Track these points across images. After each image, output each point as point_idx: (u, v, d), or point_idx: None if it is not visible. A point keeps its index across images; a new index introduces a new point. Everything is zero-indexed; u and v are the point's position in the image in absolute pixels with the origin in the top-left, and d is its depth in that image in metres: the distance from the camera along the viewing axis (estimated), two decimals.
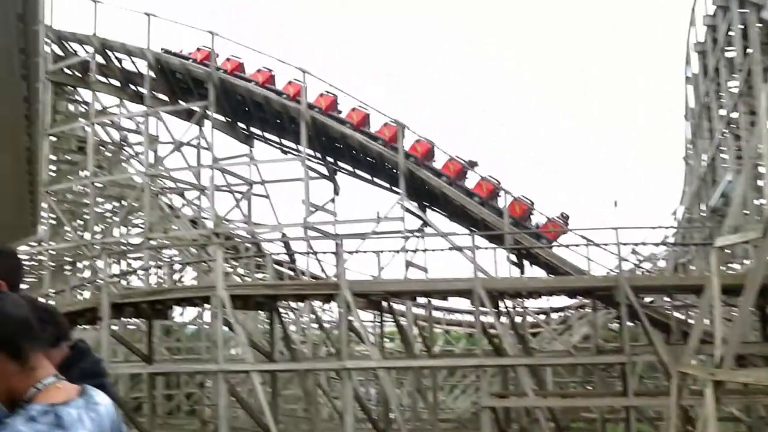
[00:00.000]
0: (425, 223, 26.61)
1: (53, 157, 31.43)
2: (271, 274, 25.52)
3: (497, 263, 22.64)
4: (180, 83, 29.86)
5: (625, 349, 19.54)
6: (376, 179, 28.69)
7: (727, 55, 21.78)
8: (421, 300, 26.21)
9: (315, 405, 25.23)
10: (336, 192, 28.97)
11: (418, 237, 26.06)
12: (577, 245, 23.32)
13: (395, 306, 25.05)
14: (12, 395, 2.10)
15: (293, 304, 29.10)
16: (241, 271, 30.06)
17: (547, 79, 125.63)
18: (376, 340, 23.94)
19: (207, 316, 26.75)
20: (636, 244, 26.62)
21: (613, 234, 20.60)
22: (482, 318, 21.67)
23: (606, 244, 22.39)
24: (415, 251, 25.72)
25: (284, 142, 29.96)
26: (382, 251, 23.53)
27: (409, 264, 24.75)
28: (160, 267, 28.57)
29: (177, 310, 29.87)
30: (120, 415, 2.37)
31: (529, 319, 29.42)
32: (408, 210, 25.97)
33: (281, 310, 25.23)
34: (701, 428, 14.66)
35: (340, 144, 27.73)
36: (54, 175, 31.10)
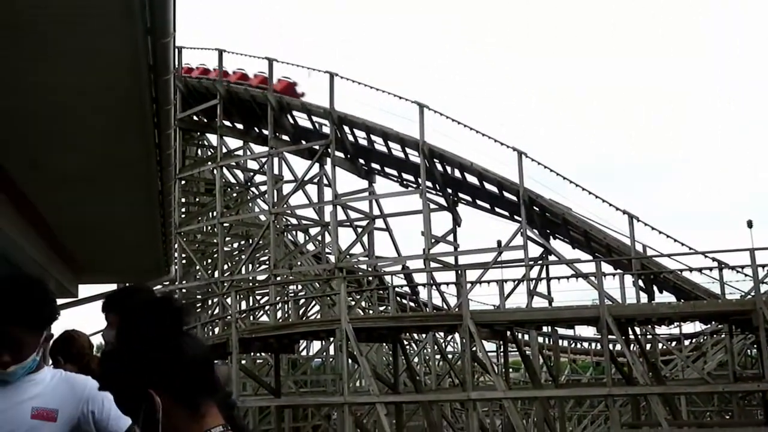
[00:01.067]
0: (548, 251, 26.23)
1: (183, 200, 32.80)
2: (394, 306, 25.66)
3: (624, 289, 21.98)
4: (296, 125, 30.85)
5: (766, 375, 18.60)
6: (496, 208, 28.53)
7: None
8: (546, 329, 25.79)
9: None
10: (457, 223, 28.99)
11: (540, 265, 25.72)
12: (710, 269, 22.38)
13: (520, 335, 24.73)
14: None
15: (416, 336, 29.15)
16: (364, 304, 30.40)
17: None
18: (500, 370, 23.64)
19: (332, 350, 27.16)
20: None
21: (749, 256, 19.70)
22: (610, 346, 21.09)
23: (742, 267, 21.45)
24: (538, 279, 25.41)
25: (404, 175, 30.25)
26: (505, 280, 23.32)
27: (532, 293, 24.43)
28: (285, 302, 29.22)
29: (302, 344, 30.49)
30: None
31: (660, 346, 28.45)
32: (530, 238, 25.68)
33: (404, 342, 25.34)
34: None
35: (459, 174, 27.77)
36: (184, 216, 32.42)
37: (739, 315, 19.62)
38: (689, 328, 28.73)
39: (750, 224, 23.62)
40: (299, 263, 31.18)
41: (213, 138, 33.30)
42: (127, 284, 7.95)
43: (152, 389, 1.99)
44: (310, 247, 32.43)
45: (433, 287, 27.56)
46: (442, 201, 29.01)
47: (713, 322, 23.48)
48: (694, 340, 29.88)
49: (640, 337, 23.13)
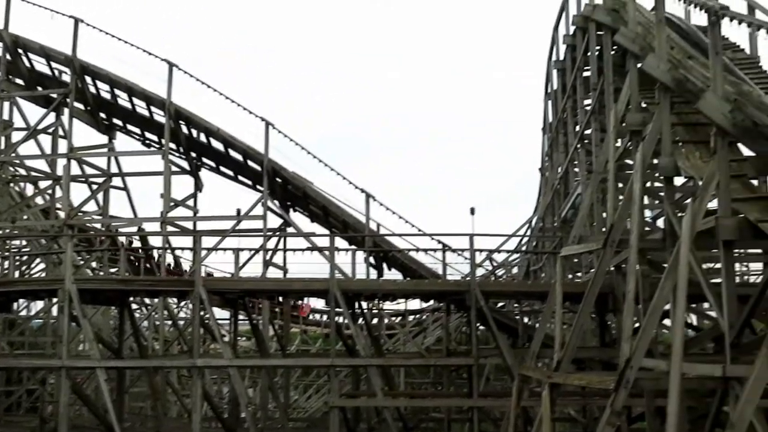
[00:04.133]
0: (287, 223, 26.54)
1: None
2: (124, 268, 24.78)
3: (355, 265, 22.80)
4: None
5: (474, 352, 20.10)
6: (240, 177, 28.40)
7: (584, 74, 22.73)
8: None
9: (163, 403, 24.69)
10: (198, 188, 28.52)
11: (278, 236, 25.99)
12: (434, 250, 23.79)
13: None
14: None
15: (147, 301, 28.40)
16: (94, 264, 29.05)
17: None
18: (230, 338, 23.66)
19: (55, 311, 25.72)
20: (491, 251, 27.44)
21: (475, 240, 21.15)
22: (339, 319, 21.79)
23: (462, 250, 23.00)
24: (275, 250, 25.65)
25: (147, 134, 29.23)
26: (241, 249, 23.34)
27: (268, 263, 24.64)
28: (6, 258, 27.24)
29: (23, 303, 28.69)
30: None
31: (386, 321, 29.83)
32: (270, 209, 25.84)
33: (134, 306, 24.58)
34: (537, 427, 15.28)
35: (205, 139, 27.29)
36: None
37: (457, 295, 20.98)
38: (416, 305, 30.42)
39: (472, 211, 25.43)
40: (25, 217, 29.17)
41: None
42: None
43: None
44: (39, 200, 30.43)
45: (169, 252, 26.96)
46: (185, 164, 28.42)
47: (434, 300, 24.88)
48: (417, 317, 31.64)
49: (365, 311, 24.07)
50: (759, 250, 18.20)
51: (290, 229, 26.28)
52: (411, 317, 31.10)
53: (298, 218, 27.45)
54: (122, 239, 29.81)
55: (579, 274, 23.06)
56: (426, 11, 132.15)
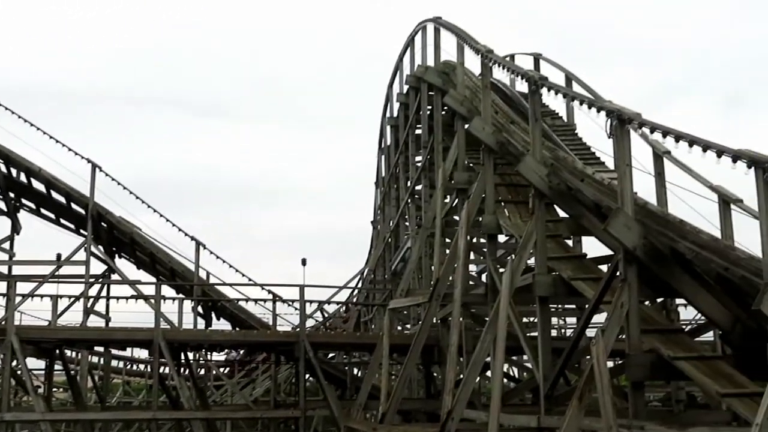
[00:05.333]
0: (111, 269, 25.53)
1: None
2: None
3: (182, 314, 22.23)
4: None
5: (301, 404, 20.00)
6: (62, 219, 27.15)
7: (416, 132, 23.46)
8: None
9: None
10: (16, 230, 27.00)
11: (101, 283, 24.99)
12: (264, 300, 23.62)
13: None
14: None
15: None
16: None
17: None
18: (44, 390, 22.33)
19: None
20: (321, 302, 27.53)
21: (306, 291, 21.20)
22: (166, 369, 21.09)
23: (292, 301, 22.98)
24: (98, 298, 24.62)
25: None
26: (60, 296, 22.29)
27: (89, 311, 23.59)
28: None
29: None
30: None
31: (214, 372, 29.16)
32: (94, 254, 24.80)
33: None
34: None
35: (26, 179, 25.96)
36: None
37: (285, 346, 20.87)
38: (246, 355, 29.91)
39: (304, 262, 25.50)
40: None
41: None
42: None
43: None
44: None
45: None
46: (1, 205, 26.88)
47: (263, 352, 24.63)
48: (246, 367, 31.14)
49: (192, 362, 23.45)
50: (574, 306, 19.33)
51: (115, 276, 25.30)
52: (241, 368, 30.56)
53: (124, 264, 26.53)
54: None
55: (408, 326, 23.53)
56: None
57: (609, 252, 12.16)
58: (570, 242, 15.67)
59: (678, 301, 13.18)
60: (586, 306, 11.88)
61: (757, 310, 8.20)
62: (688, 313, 17.70)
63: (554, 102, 19.13)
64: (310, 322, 23.42)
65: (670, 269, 10.28)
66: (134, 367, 34.16)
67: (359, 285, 31.18)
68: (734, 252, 10.30)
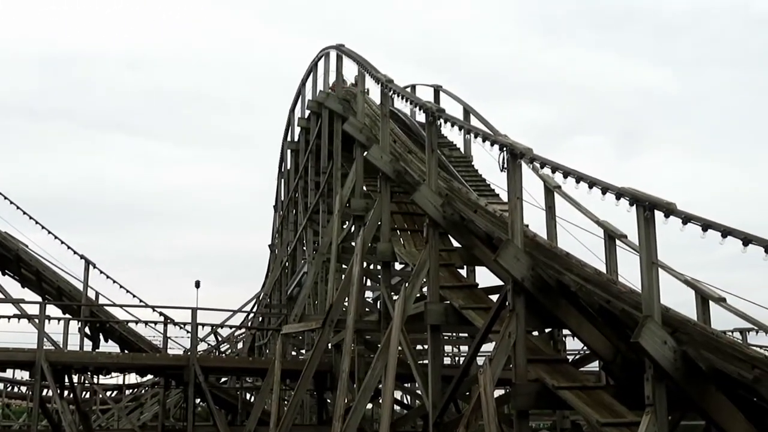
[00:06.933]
0: None
1: None
2: None
3: (68, 335, 21.48)
4: None
5: (189, 429, 19.59)
6: None
7: (316, 157, 23.45)
8: None
9: None
10: None
11: None
12: (155, 323, 23.07)
13: None
14: None
15: None
16: None
17: None
18: None
19: None
20: (214, 326, 27.06)
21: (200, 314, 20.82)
22: (49, 392, 20.28)
23: (184, 324, 22.53)
24: None
25: None
26: None
27: None
28: None
29: None
30: None
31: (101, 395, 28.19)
32: None
33: None
34: None
35: None
36: None
37: (175, 369, 20.43)
38: (134, 379, 29.06)
39: (197, 284, 25.05)
40: None
41: None
42: None
43: None
44: None
45: None
46: None
47: (152, 375, 24.03)
48: (134, 391, 30.25)
49: (77, 385, 22.65)
50: (466, 334, 19.59)
51: None
52: (128, 392, 29.63)
53: (8, 282, 25.50)
54: None
55: (303, 351, 23.40)
56: None
57: (500, 282, 12.42)
58: (464, 272, 15.95)
59: (565, 331, 13.55)
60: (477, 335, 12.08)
61: (635, 342, 8.51)
62: (575, 344, 18.22)
63: (453, 134, 19.51)
64: (202, 346, 22.97)
65: (556, 300, 10.58)
66: (14, 389, 32.70)
67: (254, 309, 30.84)
68: (616, 285, 10.69)
